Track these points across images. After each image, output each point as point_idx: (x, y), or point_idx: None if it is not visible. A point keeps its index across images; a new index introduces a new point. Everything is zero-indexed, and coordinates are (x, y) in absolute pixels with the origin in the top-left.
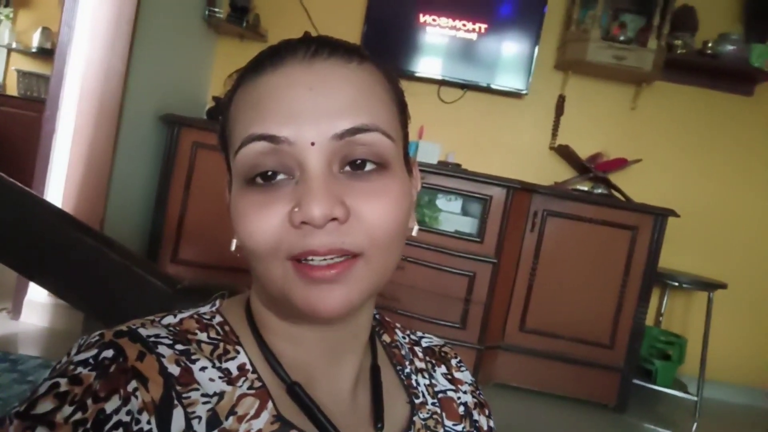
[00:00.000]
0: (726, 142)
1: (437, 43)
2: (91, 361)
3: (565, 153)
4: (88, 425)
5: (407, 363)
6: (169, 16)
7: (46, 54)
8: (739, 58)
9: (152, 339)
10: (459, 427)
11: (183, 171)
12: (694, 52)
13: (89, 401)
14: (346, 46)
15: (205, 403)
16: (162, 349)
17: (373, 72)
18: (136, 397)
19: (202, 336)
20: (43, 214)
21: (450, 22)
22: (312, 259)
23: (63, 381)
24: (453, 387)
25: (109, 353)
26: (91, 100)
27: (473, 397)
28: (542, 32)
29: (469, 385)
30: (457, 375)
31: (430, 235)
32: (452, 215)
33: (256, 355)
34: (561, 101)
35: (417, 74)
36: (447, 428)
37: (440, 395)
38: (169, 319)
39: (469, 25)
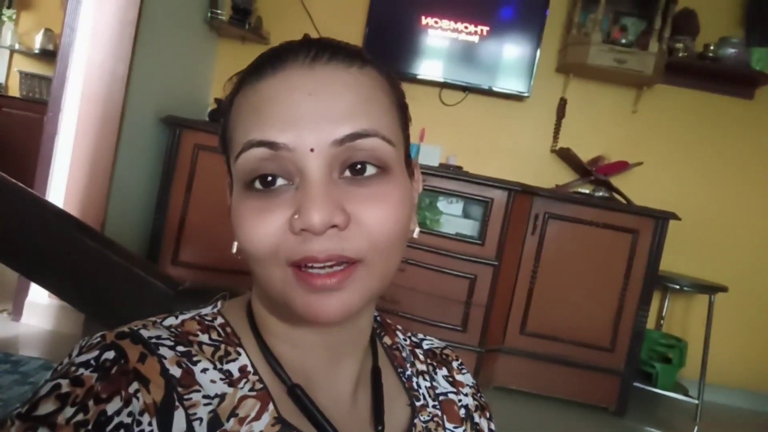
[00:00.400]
0: (727, 146)
1: (439, 45)
2: (92, 362)
3: (566, 156)
4: (90, 426)
5: (408, 365)
6: (171, 18)
7: (48, 55)
8: (740, 62)
9: (154, 340)
10: (460, 430)
11: (184, 173)
12: (695, 55)
13: (91, 403)
14: (347, 50)
15: (206, 404)
16: (163, 351)
17: (373, 76)
18: (138, 398)
19: (204, 337)
20: (45, 215)
21: (452, 24)
22: (312, 266)
23: (64, 382)
24: (454, 389)
25: (110, 355)
26: (93, 101)
27: (474, 399)
28: (544, 35)
29: (470, 387)
30: (458, 377)
31: (431, 237)
32: (453, 218)
33: (258, 356)
34: (562, 104)
35: (419, 77)
36: (448, 431)
37: (441, 398)
38: (171, 321)
39: (471, 28)
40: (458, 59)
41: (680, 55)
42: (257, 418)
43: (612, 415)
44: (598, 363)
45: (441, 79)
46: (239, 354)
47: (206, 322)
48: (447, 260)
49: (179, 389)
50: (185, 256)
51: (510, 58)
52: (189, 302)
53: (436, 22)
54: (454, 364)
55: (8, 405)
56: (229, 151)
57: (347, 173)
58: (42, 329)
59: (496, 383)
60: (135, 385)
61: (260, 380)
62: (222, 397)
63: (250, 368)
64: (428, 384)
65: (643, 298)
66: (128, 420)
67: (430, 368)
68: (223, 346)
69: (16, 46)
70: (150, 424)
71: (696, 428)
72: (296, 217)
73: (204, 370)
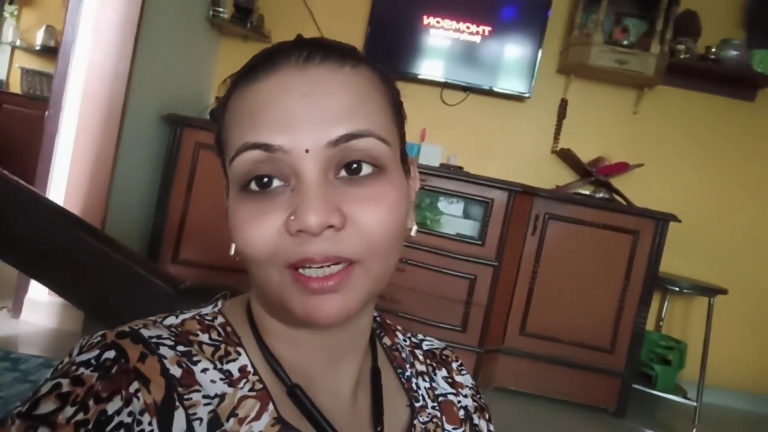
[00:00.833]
0: (728, 147)
1: (440, 45)
2: (93, 361)
3: (566, 157)
4: (90, 426)
5: (408, 366)
6: (173, 16)
7: (49, 52)
8: (742, 64)
9: (154, 340)
10: (459, 431)
11: (185, 171)
12: (696, 56)
13: (91, 402)
14: (340, 49)
15: (206, 404)
16: (164, 351)
17: (367, 75)
18: (138, 398)
19: (204, 337)
20: (45, 213)
21: (453, 24)
22: (309, 267)
23: (65, 381)
24: (453, 390)
25: (110, 354)
26: (95, 99)
27: (474, 400)
28: (545, 36)
29: (470, 388)
30: (457, 378)
31: (431, 237)
32: (453, 218)
33: (258, 356)
34: (563, 105)
35: (420, 76)
36: None
37: (440, 398)
38: (171, 320)
39: (473, 28)
40: (459, 59)
41: (682, 56)
42: (257, 418)
43: (611, 416)
44: (598, 364)
45: (442, 79)
46: (239, 354)
47: (206, 322)
48: (447, 260)
49: (179, 389)
50: (186, 254)
51: (511, 59)
52: (189, 301)
53: (437, 22)
54: (454, 365)
55: (8, 403)
56: (224, 154)
57: (343, 173)
58: (42, 327)
59: (496, 384)
60: (135, 385)
61: (260, 380)
62: (222, 397)
63: (250, 368)
64: (427, 385)
65: (643, 300)
66: (128, 420)
67: (430, 369)
68: (223, 346)
69: (18, 43)
70: (150, 423)
71: (695, 430)
72: (292, 218)
73: (204, 370)
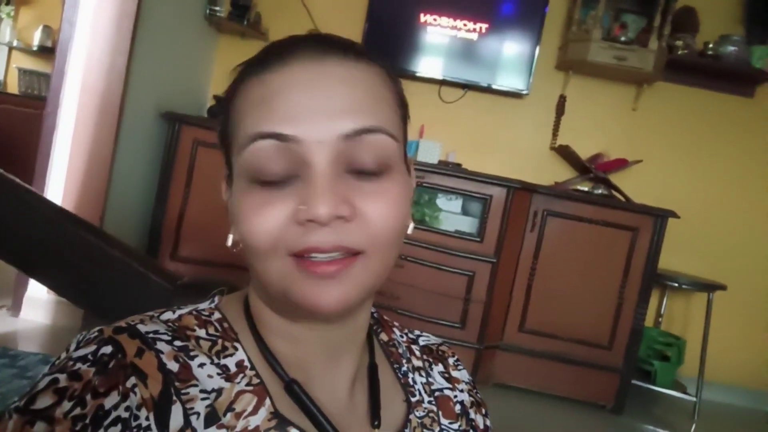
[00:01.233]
0: (726, 144)
1: (438, 42)
2: (90, 357)
3: (565, 153)
4: (87, 420)
5: (404, 361)
6: (170, 13)
7: (47, 52)
8: (740, 60)
9: (151, 335)
10: (455, 426)
11: (183, 168)
12: (695, 53)
13: (88, 397)
14: (355, 47)
15: (203, 399)
16: (161, 346)
17: (379, 73)
18: (135, 393)
19: (201, 332)
20: (43, 211)
21: (451, 21)
22: (315, 256)
23: (62, 377)
24: (450, 385)
25: (107, 349)
26: (92, 97)
27: (470, 395)
28: (543, 32)
29: (466, 383)
30: (454, 374)
31: (430, 234)
32: (452, 215)
33: (255, 352)
34: (562, 101)
35: (418, 74)
36: (443, 426)
37: (437, 393)
38: (168, 315)
39: (470, 25)
40: (457, 56)
41: (680, 52)
42: (254, 412)
43: (610, 412)
44: (597, 360)
45: (440, 77)
46: (236, 349)
47: (203, 317)
48: (446, 257)
49: (177, 384)
50: (184, 251)
51: (509, 55)
52: (188, 297)
53: (435, 20)
54: (450, 361)
55: (6, 399)
56: (230, 143)
57: (352, 168)
58: (41, 324)
59: (495, 380)
60: (132, 380)
61: (257, 375)
62: (219, 391)
63: (246, 363)
64: (424, 380)
65: (642, 296)
66: (126, 414)
67: (426, 364)
68: (220, 341)
69: (15, 43)
70: (147, 418)
71: (694, 426)
72: (302, 207)
73: (201, 365)
